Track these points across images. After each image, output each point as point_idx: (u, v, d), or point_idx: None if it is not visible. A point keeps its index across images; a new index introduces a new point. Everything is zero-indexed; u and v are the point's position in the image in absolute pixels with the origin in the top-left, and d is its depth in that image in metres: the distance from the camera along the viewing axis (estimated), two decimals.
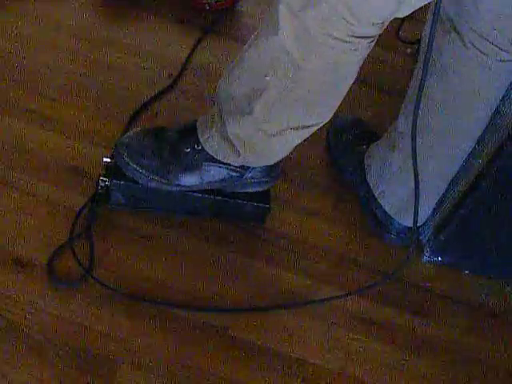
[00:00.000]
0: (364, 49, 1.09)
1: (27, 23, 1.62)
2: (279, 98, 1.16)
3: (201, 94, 1.59)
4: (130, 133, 1.37)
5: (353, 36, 1.05)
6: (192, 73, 1.63)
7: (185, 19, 1.73)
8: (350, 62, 1.11)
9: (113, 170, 1.33)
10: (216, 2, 1.73)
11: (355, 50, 1.08)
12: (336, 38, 1.05)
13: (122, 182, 1.33)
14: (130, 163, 1.31)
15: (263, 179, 1.35)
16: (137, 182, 1.32)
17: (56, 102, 1.50)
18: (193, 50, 1.67)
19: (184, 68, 1.63)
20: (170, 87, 1.59)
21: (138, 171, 1.31)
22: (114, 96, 1.54)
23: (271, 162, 1.33)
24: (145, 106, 1.54)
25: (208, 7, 1.73)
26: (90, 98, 1.52)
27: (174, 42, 1.68)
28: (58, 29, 1.63)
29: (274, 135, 1.23)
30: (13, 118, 1.46)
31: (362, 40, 1.06)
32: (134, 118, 1.51)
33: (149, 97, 1.55)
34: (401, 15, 1.05)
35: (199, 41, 1.69)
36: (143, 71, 1.60)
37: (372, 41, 1.08)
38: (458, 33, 1.18)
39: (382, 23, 1.05)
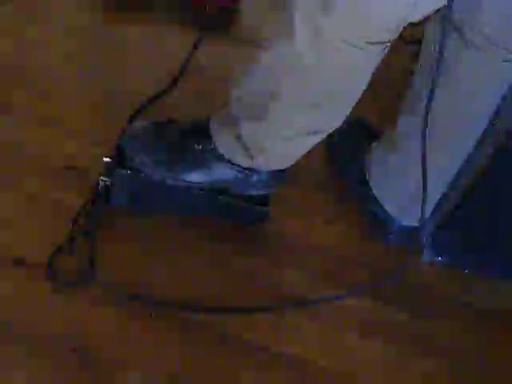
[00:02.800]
0: (377, 54, 1.09)
1: (27, 23, 1.62)
2: (292, 102, 1.16)
3: (201, 94, 1.59)
4: (140, 123, 1.35)
5: (367, 42, 1.05)
6: (192, 73, 1.63)
7: (185, 19, 1.73)
8: (364, 68, 1.11)
9: (117, 160, 1.32)
10: (216, 2, 1.73)
11: (369, 55, 1.08)
12: (350, 44, 1.05)
13: (126, 172, 1.32)
14: (138, 154, 1.30)
15: (267, 183, 1.35)
16: (141, 174, 1.31)
17: (56, 102, 1.50)
18: (193, 50, 1.67)
19: (184, 68, 1.63)
20: (170, 87, 1.59)
21: (144, 163, 1.30)
22: (113, 96, 1.54)
23: (283, 167, 1.32)
24: (145, 106, 1.54)
25: (208, 7, 1.73)
26: (90, 98, 1.52)
27: (174, 42, 1.68)
28: (58, 29, 1.63)
29: (287, 140, 1.23)
30: (13, 117, 1.46)
31: (376, 46, 1.07)
32: (134, 117, 1.51)
33: (149, 97, 1.55)
34: (414, 20, 1.05)
35: (199, 41, 1.69)
36: (143, 71, 1.60)
37: (386, 47, 1.08)
38: (459, 32, 1.18)
39: (396, 29, 1.05)
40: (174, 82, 1.60)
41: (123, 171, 1.31)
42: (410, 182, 1.33)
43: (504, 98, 1.24)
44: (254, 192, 1.36)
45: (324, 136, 1.24)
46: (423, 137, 1.12)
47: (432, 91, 1.08)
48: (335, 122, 1.22)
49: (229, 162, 1.30)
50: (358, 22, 1.03)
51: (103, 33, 1.65)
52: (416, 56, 1.33)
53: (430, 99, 1.08)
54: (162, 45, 1.66)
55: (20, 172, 1.38)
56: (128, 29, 1.68)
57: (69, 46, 1.61)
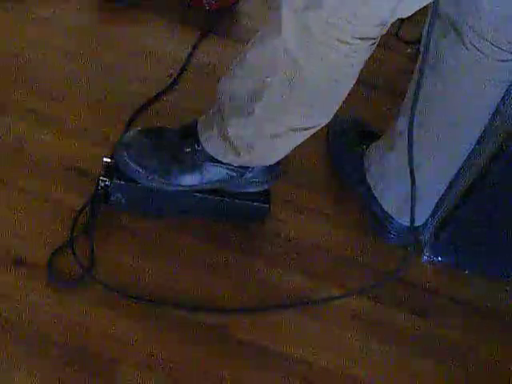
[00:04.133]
0: (365, 51, 1.09)
1: (27, 23, 1.62)
2: (280, 99, 1.16)
3: (201, 94, 1.58)
4: (130, 133, 1.37)
5: (355, 38, 1.05)
6: (192, 73, 1.63)
7: (185, 19, 1.73)
8: (351, 64, 1.11)
9: (113, 170, 1.33)
10: (216, 2, 1.73)
11: (357, 51, 1.08)
12: (338, 40, 1.05)
13: (122, 182, 1.33)
14: (130, 163, 1.31)
15: (263, 179, 1.35)
16: (137, 182, 1.32)
17: (56, 102, 1.50)
18: (193, 50, 1.67)
19: (184, 68, 1.63)
20: (170, 87, 1.59)
21: (138, 171, 1.31)
22: (113, 96, 1.54)
23: (271, 163, 1.33)
24: (145, 106, 1.54)
25: (208, 7, 1.73)
26: (89, 98, 1.52)
27: (174, 42, 1.68)
28: (58, 29, 1.63)
29: (274, 136, 1.23)
30: (13, 117, 1.46)
31: (364, 42, 1.06)
32: (134, 118, 1.51)
33: (149, 97, 1.55)
34: (402, 16, 1.05)
35: (199, 41, 1.69)
36: (143, 71, 1.60)
37: (373, 43, 1.08)
38: (458, 33, 1.18)
39: (384, 24, 1.05)
40: (174, 81, 1.60)
41: (119, 182, 1.32)
42: (409, 182, 1.33)
43: (503, 98, 1.24)
44: (250, 189, 1.36)
45: (312, 133, 1.24)
46: (409, 133, 1.13)
47: (419, 83, 1.08)
48: (323, 119, 1.22)
49: (219, 161, 1.31)
50: (345, 18, 1.03)
51: (103, 33, 1.65)
52: (415, 56, 1.33)
53: (417, 89, 1.08)
54: (162, 45, 1.66)
55: (20, 172, 1.38)
56: (128, 29, 1.67)
57: (69, 45, 1.61)
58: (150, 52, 1.64)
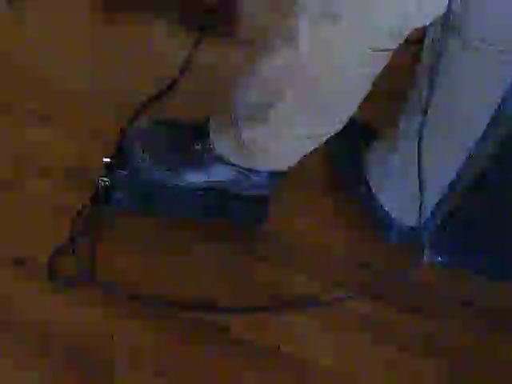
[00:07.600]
0: (381, 61, 1.09)
1: (27, 23, 1.62)
2: (294, 107, 1.16)
3: (201, 94, 1.59)
4: (140, 123, 1.36)
5: (371, 49, 1.05)
6: (192, 73, 1.63)
7: (185, 19, 1.73)
8: (367, 75, 1.12)
9: (117, 159, 1.32)
10: (216, 2, 1.73)
11: (372, 62, 1.08)
12: (353, 51, 1.05)
13: (126, 173, 1.32)
14: (140, 152, 1.30)
15: (267, 183, 1.35)
16: (141, 173, 1.32)
17: (56, 102, 1.50)
18: (193, 50, 1.67)
19: (184, 68, 1.63)
20: (170, 87, 1.59)
21: (144, 162, 1.31)
22: (113, 96, 1.54)
23: (283, 168, 1.33)
24: (145, 106, 1.54)
25: (208, 7, 1.73)
26: (90, 98, 1.52)
27: (174, 42, 1.68)
28: (58, 29, 1.63)
29: (287, 143, 1.23)
30: (13, 118, 1.46)
31: (380, 53, 1.07)
32: (134, 117, 1.51)
33: (149, 97, 1.55)
34: (419, 25, 1.05)
35: (199, 41, 1.69)
36: (143, 71, 1.60)
37: (388, 54, 1.09)
38: (458, 33, 1.18)
39: (399, 36, 1.06)
40: (174, 82, 1.60)
41: (123, 172, 1.32)
42: (410, 182, 1.33)
43: (504, 99, 1.24)
44: (252, 192, 1.36)
45: (325, 139, 1.25)
46: (419, 137, 1.13)
47: (430, 91, 1.08)
48: (336, 125, 1.23)
49: (228, 162, 1.31)
50: (361, 31, 1.03)
51: (103, 33, 1.65)
52: (417, 56, 1.34)
53: (427, 99, 1.08)
54: (162, 45, 1.66)
55: (20, 172, 1.38)
56: (128, 29, 1.68)
57: (69, 45, 1.61)
58: (150, 52, 1.64)
